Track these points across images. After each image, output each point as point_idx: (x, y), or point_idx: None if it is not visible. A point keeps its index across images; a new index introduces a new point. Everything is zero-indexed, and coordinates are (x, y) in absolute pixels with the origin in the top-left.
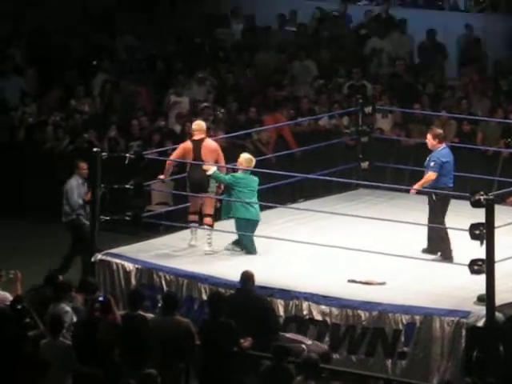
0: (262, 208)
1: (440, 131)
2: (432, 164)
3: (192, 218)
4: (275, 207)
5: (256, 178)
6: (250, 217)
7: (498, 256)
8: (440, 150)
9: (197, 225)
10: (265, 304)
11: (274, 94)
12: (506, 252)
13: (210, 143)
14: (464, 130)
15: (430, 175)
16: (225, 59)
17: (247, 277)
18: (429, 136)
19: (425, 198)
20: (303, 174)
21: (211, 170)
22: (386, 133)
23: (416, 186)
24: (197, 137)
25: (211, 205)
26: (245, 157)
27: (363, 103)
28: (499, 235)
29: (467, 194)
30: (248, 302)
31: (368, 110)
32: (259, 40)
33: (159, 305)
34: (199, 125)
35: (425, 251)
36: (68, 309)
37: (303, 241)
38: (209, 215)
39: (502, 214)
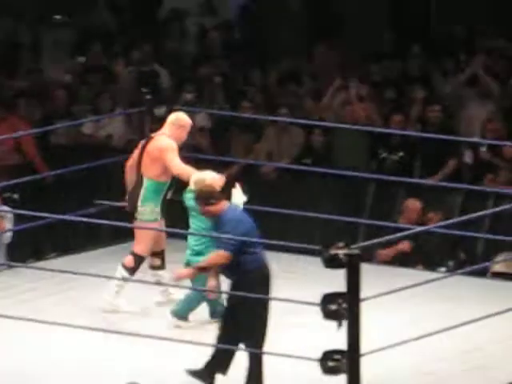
0: None
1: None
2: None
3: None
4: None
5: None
6: None
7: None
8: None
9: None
10: None
11: (9, 85)
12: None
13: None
14: (313, 143)
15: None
16: None
17: None
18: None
19: None
20: (54, 215)
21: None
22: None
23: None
24: None
25: (140, 239)
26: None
27: (153, 100)
28: (367, 311)
29: (317, 247)
30: None
31: (160, 111)
32: None
33: None
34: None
35: None
36: None
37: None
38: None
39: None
